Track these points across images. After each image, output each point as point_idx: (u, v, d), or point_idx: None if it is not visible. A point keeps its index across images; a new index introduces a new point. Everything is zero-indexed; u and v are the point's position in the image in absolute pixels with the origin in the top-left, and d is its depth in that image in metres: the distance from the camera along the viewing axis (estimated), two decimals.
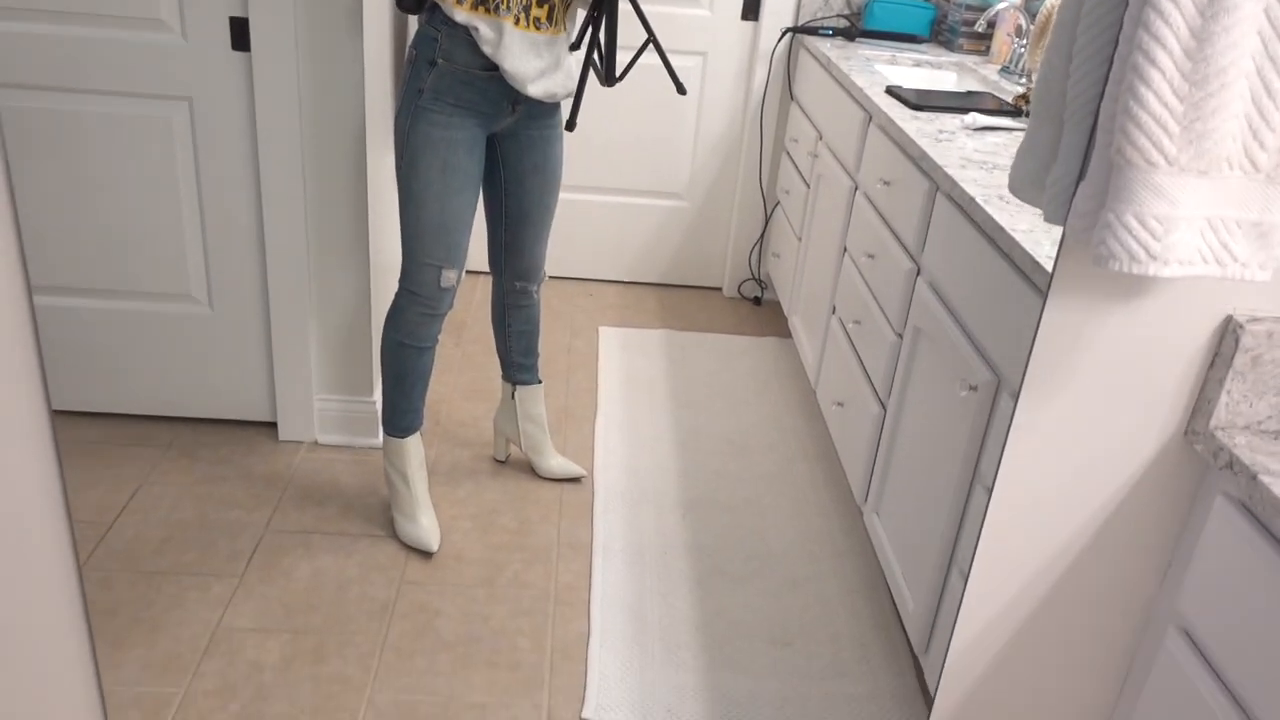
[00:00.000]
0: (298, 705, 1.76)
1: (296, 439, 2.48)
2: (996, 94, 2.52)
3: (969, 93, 2.43)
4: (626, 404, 2.78)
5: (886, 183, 2.16)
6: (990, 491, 1.29)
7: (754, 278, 3.53)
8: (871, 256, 2.23)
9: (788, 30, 3.17)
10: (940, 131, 2.08)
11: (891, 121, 2.14)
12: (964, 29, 3.03)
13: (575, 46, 2.06)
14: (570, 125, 2.05)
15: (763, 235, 3.46)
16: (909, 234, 2.00)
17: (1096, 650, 1.39)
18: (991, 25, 2.97)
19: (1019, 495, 1.29)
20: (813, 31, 3.12)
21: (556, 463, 2.42)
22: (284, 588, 2.02)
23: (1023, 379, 1.22)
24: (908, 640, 2.02)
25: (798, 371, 3.05)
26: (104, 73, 2.11)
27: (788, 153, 3.22)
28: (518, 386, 2.38)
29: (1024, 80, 2.66)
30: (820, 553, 2.26)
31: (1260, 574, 1.11)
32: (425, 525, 2.15)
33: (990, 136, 2.09)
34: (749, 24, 3.22)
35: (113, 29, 2.08)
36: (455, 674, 1.85)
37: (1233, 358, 1.17)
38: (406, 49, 1.96)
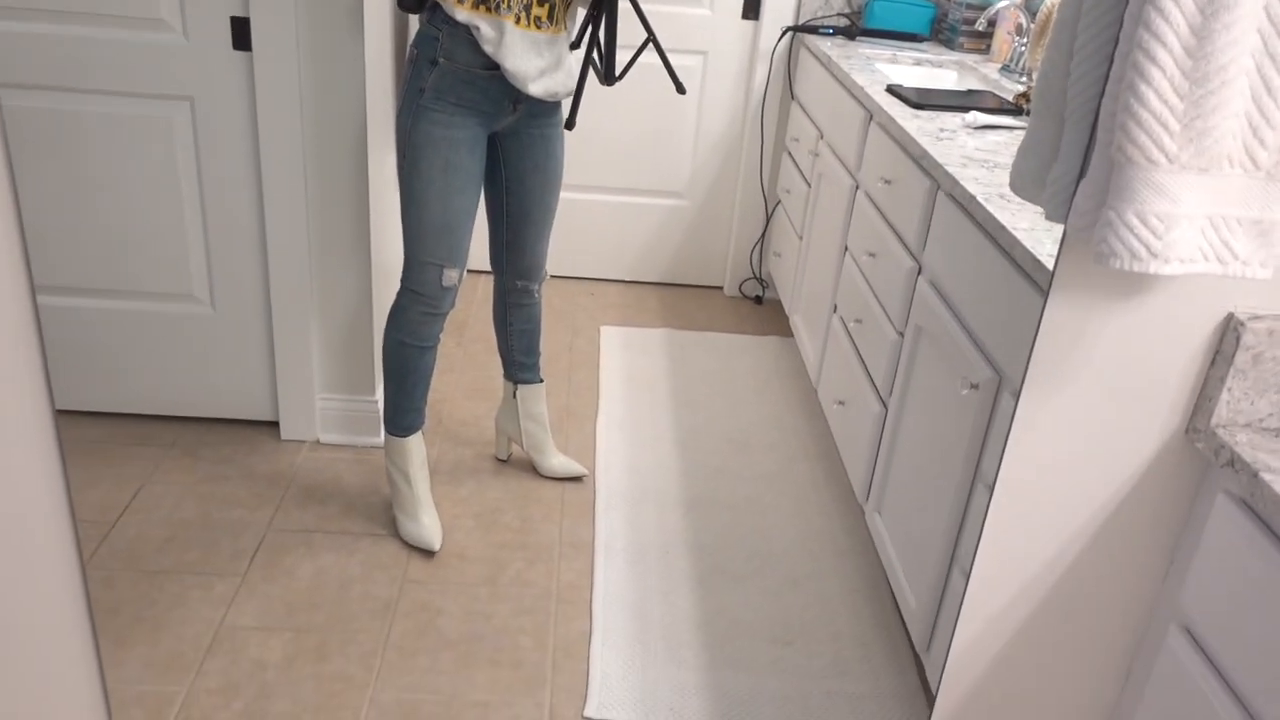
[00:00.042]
0: (300, 704, 1.76)
1: (298, 438, 2.48)
2: (997, 92, 2.52)
3: (969, 91, 2.43)
4: (628, 403, 2.78)
5: (887, 181, 2.16)
6: (992, 490, 1.29)
7: (755, 277, 3.54)
8: (873, 255, 2.23)
9: (788, 29, 3.17)
10: (941, 130, 2.08)
11: (892, 120, 2.14)
12: (964, 27, 3.03)
13: (575, 45, 2.06)
14: (570, 124, 2.05)
15: (764, 234, 3.46)
16: (910, 232, 2.00)
17: (1098, 648, 1.39)
18: (992, 24, 2.97)
19: (1020, 493, 1.29)
20: (813, 30, 3.12)
21: (558, 462, 2.42)
22: (286, 586, 2.02)
23: (1024, 377, 1.22)
24: (909, 639, 2.02)
25: (799, 370, 3.05)
26: (106, 73, 2.12)
27: (788, 152, 3.22)
28: (519, 385, 2.38)
29: (1025, 79, 2.66)
30: (821, 551, 2.26)
31: (1262, 571, 1.11)
32: (427, 524, 2.15)
33: (991, 135, 2.09)
34: (749, 23, 3.22)
35: (114, 29, 2.09)
36: (458, 672, 1.86)
37: (1234, 355, 1.17)
38: (407, 48, 1.96)
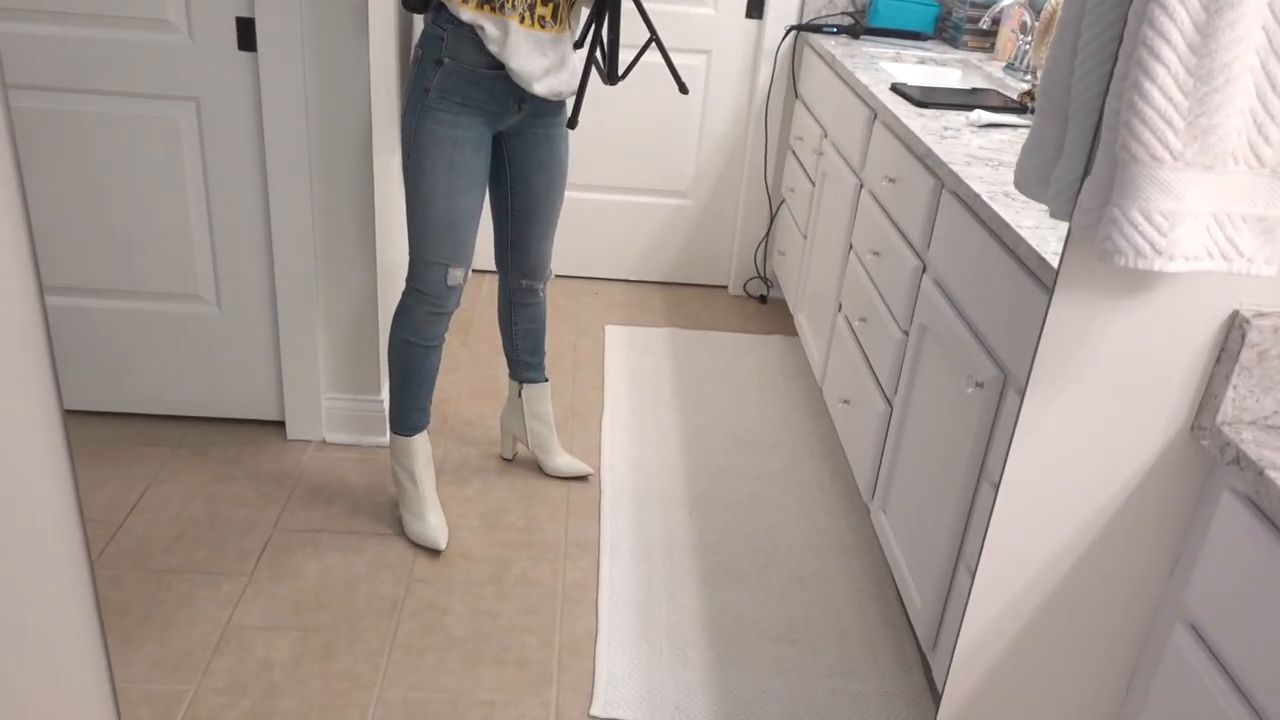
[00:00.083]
0: (308, 703, 1.77)
1: (304, 438, 2.49)
2: (1001, 91, 2.52)
3: (974, 90, 2.43)
4: (633, 402, 2.78)
5: (892, 180, 2.16)
6: (997, 488, 1.29)
7: (759, 276, 3.54)
8: (877, 254, 2.23)
9: (792, 28, 3.17)
10: (945, 128, 2.08)
11: (896, 119, 2.14)
12: (968, 26, 3.03)
13: (579, 45, 2.07)
14: (572, 123, 2.05)
15: (768, 233, 3.46)
16: (914, 231, 2.00)
17: (1104, 646, 1.39)
18: (996, 22, 2.97)
19: (1025, 491, 1.29)
20: (817, 29, 3.12)
21: (563, 461, 2.43)
22: (293, 586, 2.02)
23: (1029, 375, 1.22)
24: (915, 638, 2.02)
25: (804, 369, 3.05)
26: (112, 74, 2.12)
27: (793, 151, 3.22)
28: (524, 385, 2.38)
29: (1029, 77, 2.66)
30: (827, 550, 2.26)
31: (1267, 569, 1.11)
32: (433, 523, 2.16)
33: (995, 133, 2.09)
34: (753, 22, 3.22)
35: (120, 30, 2.09)
36: (464, 671, 1.86)
37: (1239, 353, 1.17)
38: (412, 48, 1.97)
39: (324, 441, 2.49)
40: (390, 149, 2.39)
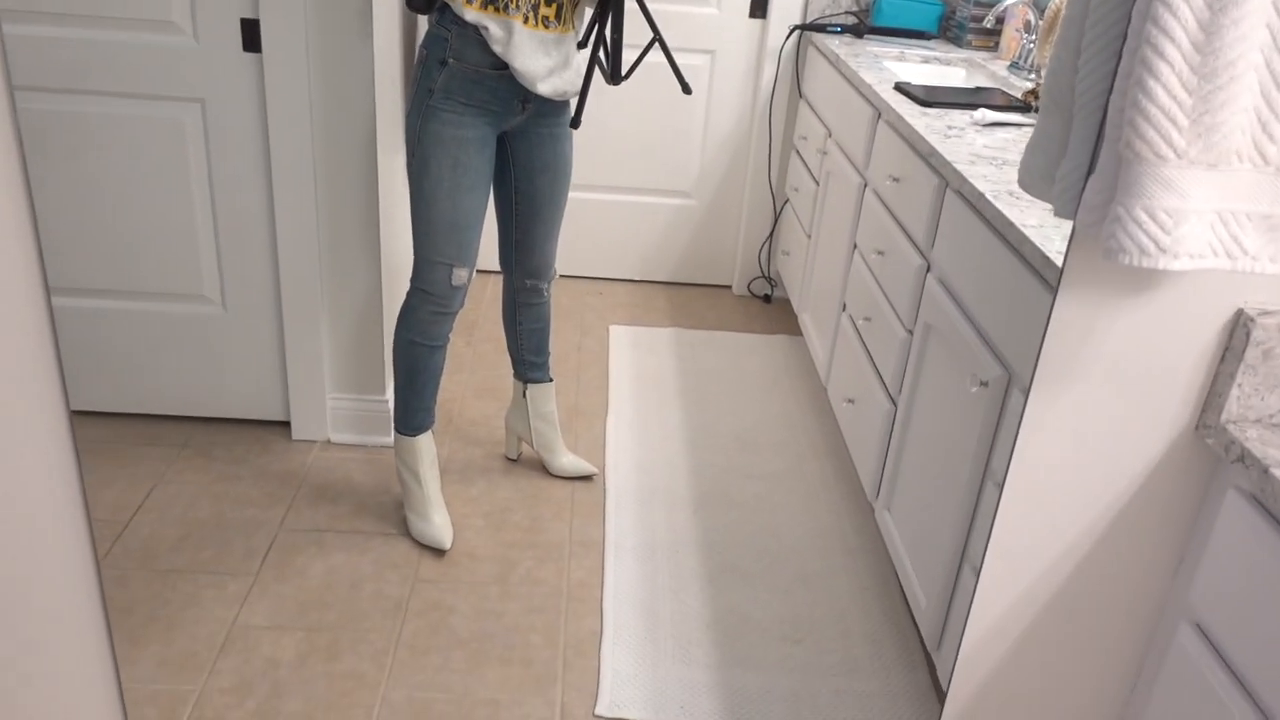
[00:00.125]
0: (313, 702, 1.77)
1: (310, 438, 2.49)
2: (1005, 90, 2.52)
3: (978, 89, 2.42)
4: (637, 402, 2.79)
5: (896, 179, 2.16)
6: (1001, 487, 1.29)
7: (764, 275, 3.54)
8: (881, 253, 2.23)
9: (796, 28, 3.17)
10: (949, 128, 2.08)
11: (900, 118, 2.14)
12: (972, 25, 3.03)
13: (582, 45, 2.07)
14: (575, 123, 2.06)
15: (772, 233, 3.46)
16: (919, 230, 2.00)
17: (1108, 645, 1.39)
18: (1000, 21, 2.97)
19: (1030, 490, 1.29)
20: (821, 29, 3.12)
21: (568, 461, 2.43)
22: (299, 585, 2.03)
23: (1033, 374, 1.22)
24: (919, 637, 2.02)
25: (808, 368, 3.05)
26: (118, 75, 2.13)
27: (797, 150, 3.22)
28: (529, 385, 2.39)
29: (1033, 76, 2.65)
30: (831, 549, 2.26)
31: (1272, 567, 1.11)
32: (438, 523, 2.16)
33: (999, 132, 2.09)
34: (757, 22, 3.22)
35: (126, 32, 2.10)
36: (469, 671, 1.86)
37: (1244, 351, 1.17)
38: (417, 49, 1.97)
39: (329, 442, 2.50)
40: (394, 149, 2.39)
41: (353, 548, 2.15)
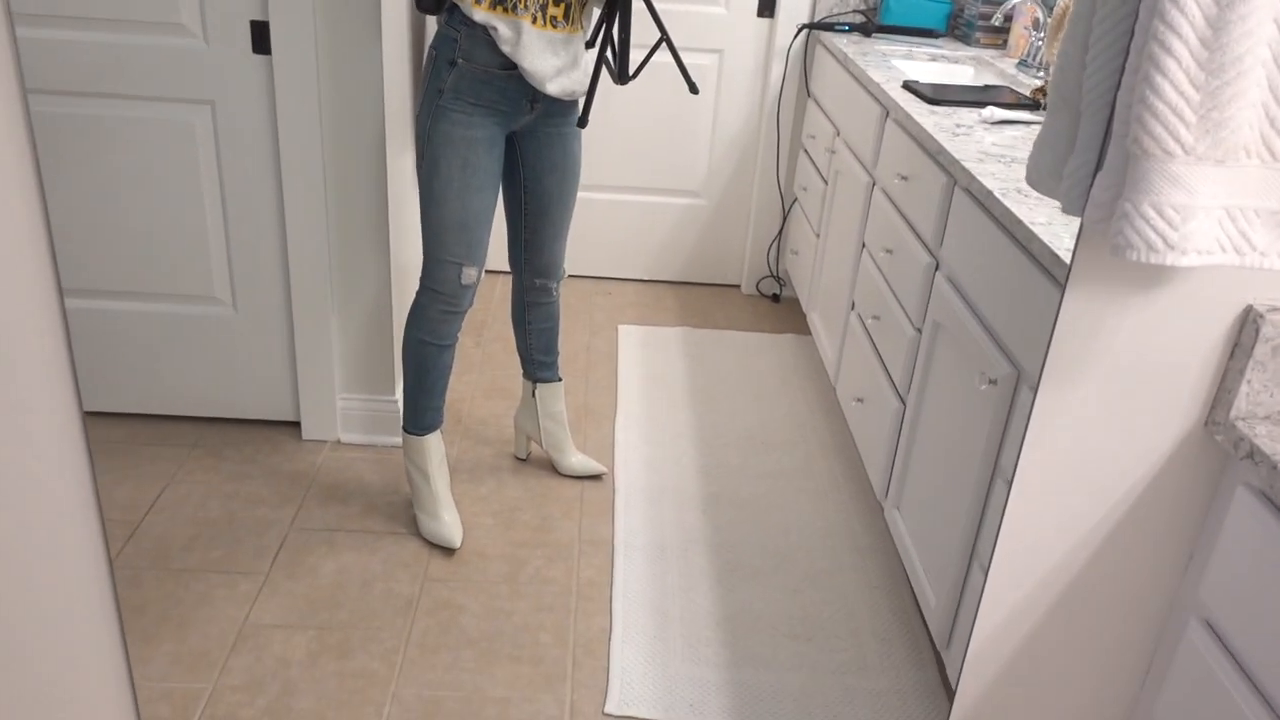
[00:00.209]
0: (324, 700, 1.78)
1: (320, 438, 2.50)
2: (1014, 87, 2.51)
3: (986, 87, 2.42)
4: (646, 401, 2.79)
5: (904, 178, 2.16)
6: (1010, 484, 1.29)
7: (772, 275, 3.54)
8: (890, 252, 2.23)
9: (804, 27, 3.17)
10: (958, 126, 2.08)
11: (909, 116, 2.14)
12: (981, 23, 3.02)
13: (590, 45, 2.07)
14: (582, 122, 2.06)
15: (780, 232, 3.46)
16: (927, 229, 2.00)
17: (1118, 642, 1.39)
18: (1008, 19, 2.96)
19: (1039, 488, 1.29)
20: (829, 28, 3.12)
21: (577, 460, 2.44)
22: (309, 584, 2.04)
23: (1041, 371, 1.22)
24: (929, 635, 2.02)
25: (817, 368, 3.05)
26: (128, 77, 2.14)
27: (805, 149, 3.22)
28: (538, 384, 2.39)
29: (1042, 73, 2.65)
30: (840, 548, 2.26)
31: None
32: (447, 522, 2.17)
33: (1008, 130, 2.08)
34: (765, 21, 3.22)
35: (136, 34, 2.11)
36: (479, 669, 1.87)
37: (1253, 348, 1.17)
38: (426, 50, 1.98)
39: (339, 442, 2.51)
40: (403, 150, 2.40)
41: (363, 547, 2.15)
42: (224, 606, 1.97)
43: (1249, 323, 1.18)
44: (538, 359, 2.37)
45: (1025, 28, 2.83)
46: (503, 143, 2.02)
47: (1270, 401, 1.20)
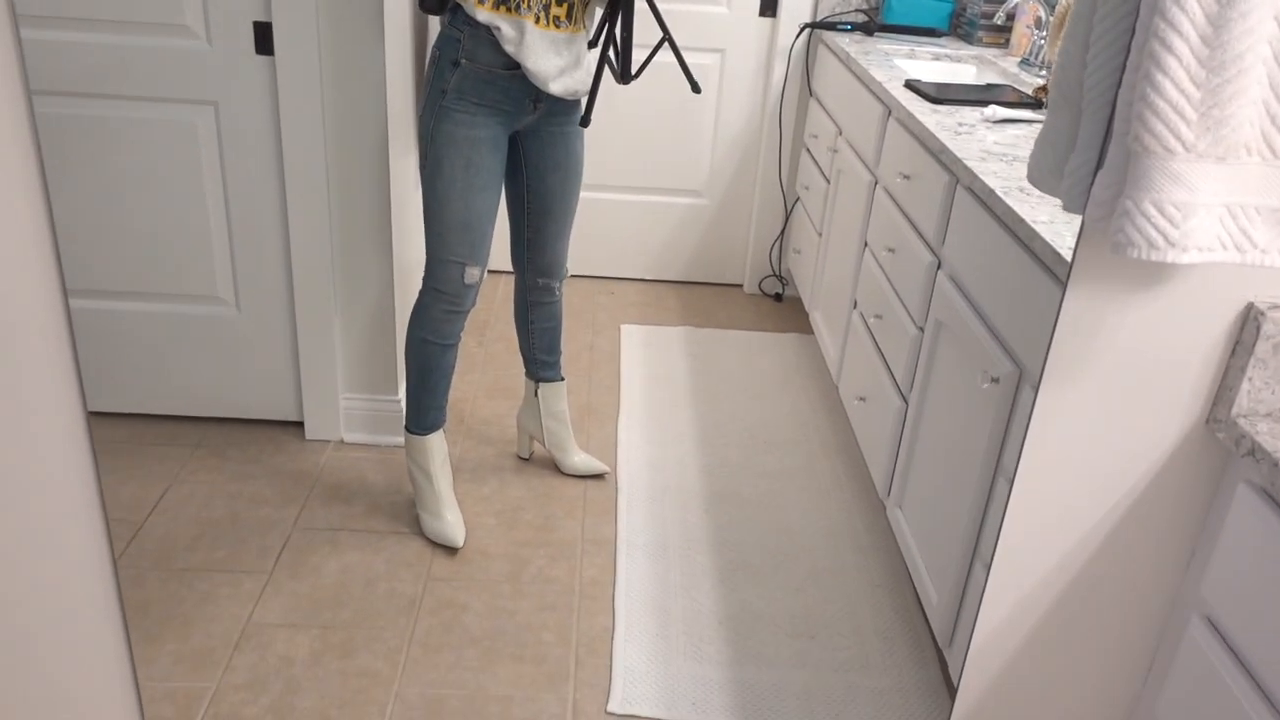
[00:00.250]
0: (327, 699, 1.78)
1: (323, 438, 2.51)
2: (1016, 86, 2.51)
3: (988, 85, 2.42)
4: (648, 401, 2.79)
5: (906, 177, 2.16)
6: (1012, 482, 1.29)
7: (775, 274, 3.54)
8: (892, 250, 2.23)
9: (806, 26, 3.17)
10: (960, 125, 2.08)
11: (911, 116, 2.14)
12: (983, 22, 3.02)
13: (592, 44, 2.08)
14: (585, 121, 2.06)
15: (783, 231, 3.46)
16: (929, 227, 2.00)
17: (1120, 639, 1.39)
18: (1011, 18, 2.96)
19: (1041, 486, 1.29)
20: (831, 27, 3.12)
21: (580, 459, 2.44)
22: (313, 584, 2.04)
23: (1043, 369, 1.22)
24: (931, 633, 2.02)
25: (819, 367, 3.05)
26: (132, 78, 2.15)
27: (807, 149, 3.22)
28: (541, 384, 2.40)
29: (1044, 72, 2.65)
30: (843, 546, 2.26)
31: None
32: (450, 521, 2.17)
33: (1010, 129, 2.09)
34: (767, 20, 3.22)
35: (139, 35, 2.12)
36: (482, 668, 1.87)
37: (1254, 345, 1.17)
38: (429, 50, 1.98)
39: (342, 441, 2.51)
40: (406, 150, 2.41)
41: (366, 546, 2.16)
42: (227, 606, 1.97)
43: (1250, 320, 1.18)
44: (540, 358, 2.38)
45: (1027, 26, 2.83)
46: (506, 142, 2.02)
47: (1271, 399, 1.20)
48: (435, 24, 2.49)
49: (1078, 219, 1.55)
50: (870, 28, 3.09)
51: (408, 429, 2.20)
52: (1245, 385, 1.19)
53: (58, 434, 0.99)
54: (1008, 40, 3.03)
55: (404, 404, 2.49)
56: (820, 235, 2.95)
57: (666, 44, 2.07)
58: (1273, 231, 1.05)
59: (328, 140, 2.22)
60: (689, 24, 3.21)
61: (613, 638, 1.96)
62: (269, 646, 1.88)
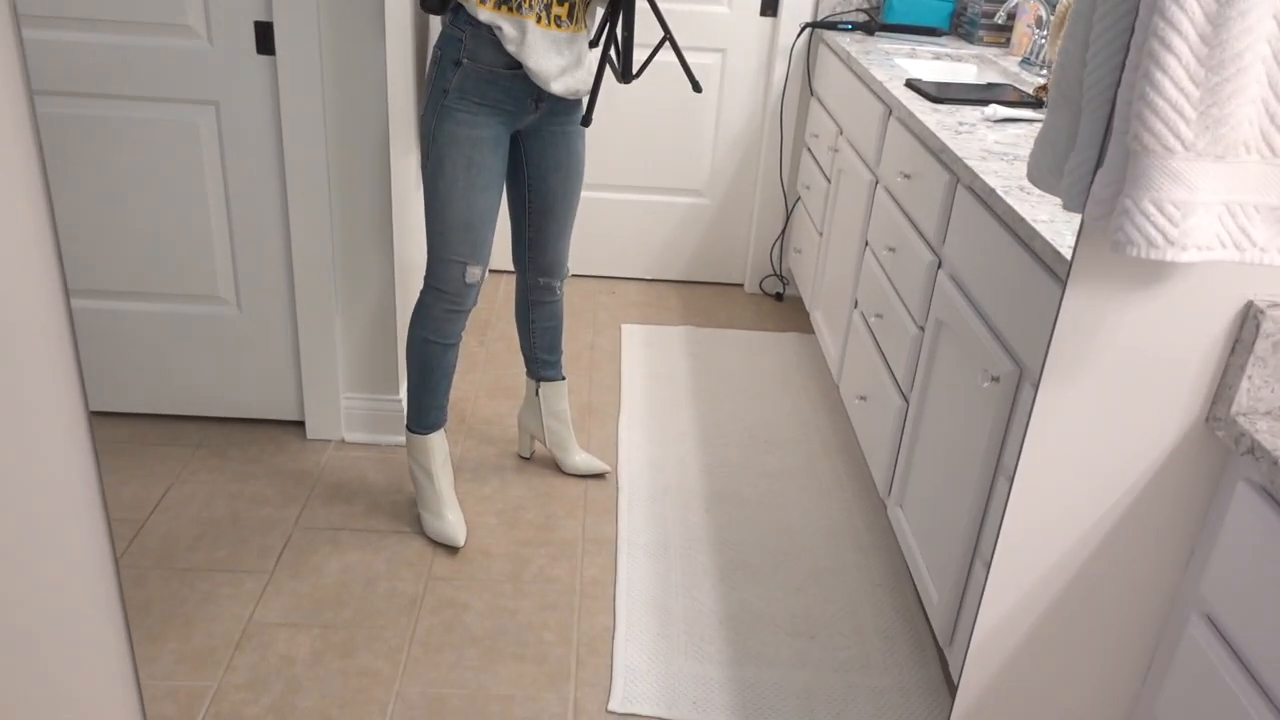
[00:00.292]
0: (328, 699, 1.78)
1: (324, 437, 2.51)
2: (1017, 86, 2.51)
3: (989, 85, 2.42)
4: (649, 400, 2.79)
5: (907, 176, 2.16)
6: (1012, 481, 1.29)
7: (775, 273, 3.54)
8: (893, 250, 2.23)
9: (807, 25, 3.17)
10: (961, 124, 2.08)
11: (912, 115, 2.14)
12: (984, 21, 3.02)
13: (593, 44, 2.08)
14: (586, 120, 2.07)
15: (784, 231, 3.46)
16: (930, 227, 2.01)
17: (1120, 637, 1.39)
18: (1011, 17, 2.96)
19: (1041, 485, 1.29)
20: (832, 26, 3.12)
21: (580, 459, 2.44)
22: (314, 583, 2.04)
23: (1042, 368, 1.22)
24: (931, 632, 2.02)
25: (820, 366, 3.05)
26: (133, 79, 2.15)
27: (808, 148, 3.22)
28: (542, 383, 2.40)
29: (1045, 72, 2.65)
30: (843, 545, 2.27)
31: None
32: (451, 521, 2.18)
33: (1011, 128, 2.09)
34: (768, 20, 3.22)
35: (141, 36, 2.12)
36: (483, 667, 1.87)
37: (1253, 343, 1.17)
38: (431, 50, 1.98)
39: (343, 441, 2.51)
40: (407, 150, 2.41)
41: (367, 546, 2.16)
42: (229, 605, 1.97)
43: (1249, 318, 1.18)
44: (541, 358, 2.38)
45: (1028, 26, 2.83)
46: (507, 142, 2.02)
47: (1271, 397, 1.20)
48: (436, 24, 2.49)
49: (1078, 218, 1.55)
50: (871, 27, 3.09)
51: (409, 428, 2.20)
52: (1245, 383, 1.19)
53: (59, 434, 1.00)
54: (1008, 39, 3.03)
55: (405, 403, 2.49)
56: (821, 235, 2.95)
57: (667, 43, 2.07)
58: (1272, 230, 1.06)
59: (329, 140, 2.22)
60: (690, 23, 3.21)
61: (613, 637, 1.97)
62: (270, 646, 1.89)
